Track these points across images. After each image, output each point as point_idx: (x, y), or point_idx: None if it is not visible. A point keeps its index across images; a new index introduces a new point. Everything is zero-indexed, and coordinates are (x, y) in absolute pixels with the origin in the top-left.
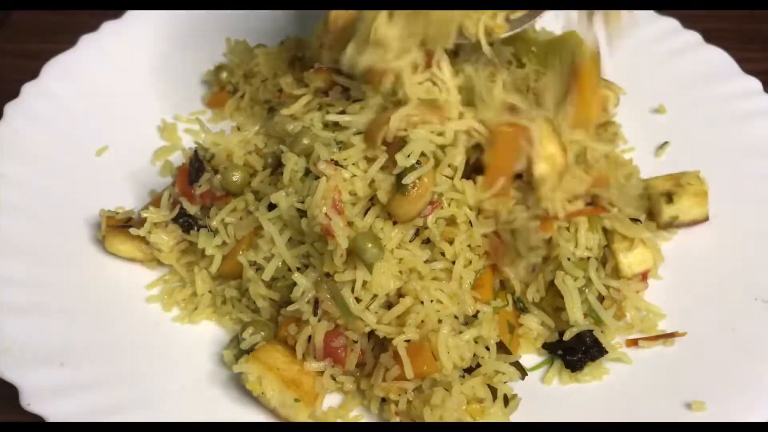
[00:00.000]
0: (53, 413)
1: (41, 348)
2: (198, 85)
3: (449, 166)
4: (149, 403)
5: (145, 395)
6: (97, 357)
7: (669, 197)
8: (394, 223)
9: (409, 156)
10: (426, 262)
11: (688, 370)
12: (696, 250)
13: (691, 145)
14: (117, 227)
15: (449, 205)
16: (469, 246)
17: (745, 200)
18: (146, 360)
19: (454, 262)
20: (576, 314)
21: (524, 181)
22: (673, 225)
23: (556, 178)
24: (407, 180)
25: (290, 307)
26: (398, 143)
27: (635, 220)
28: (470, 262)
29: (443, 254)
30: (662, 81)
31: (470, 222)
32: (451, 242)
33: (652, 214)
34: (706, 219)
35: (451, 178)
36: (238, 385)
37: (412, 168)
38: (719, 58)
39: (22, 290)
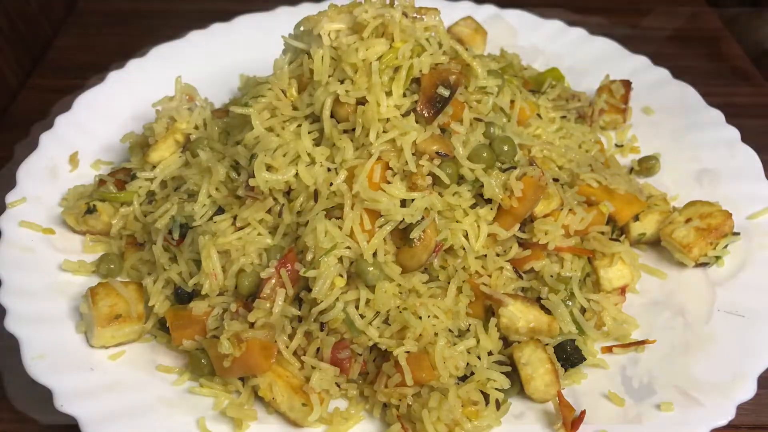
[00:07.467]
0: (83, 413)
1: (72, 355)
2: None
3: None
4: (170, 405)
5: (166, 398)
6: (121, 363)
7: (636, 216)
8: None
9: (414, 214)
10: (424, 282)
11: (658, 374)
12: (664, 266)
13: (659, 171)
14: (135, 245)
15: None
16: (463, 268)
17: None
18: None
19: (448, 282)
20: (568, 326)
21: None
22: (641, 242)
23: (554, 214)
24: (414, 234)
25: (302, 324)
26: None
27: (614, 239)
28: (463, 281)
29: (438, 277)
30: (633, 113)
31: (464, 248)
32: (445, 268)
33: (623, 232)
34: None
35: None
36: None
37: (417, 223)
38: (686, 92)
39: (55, 302)
